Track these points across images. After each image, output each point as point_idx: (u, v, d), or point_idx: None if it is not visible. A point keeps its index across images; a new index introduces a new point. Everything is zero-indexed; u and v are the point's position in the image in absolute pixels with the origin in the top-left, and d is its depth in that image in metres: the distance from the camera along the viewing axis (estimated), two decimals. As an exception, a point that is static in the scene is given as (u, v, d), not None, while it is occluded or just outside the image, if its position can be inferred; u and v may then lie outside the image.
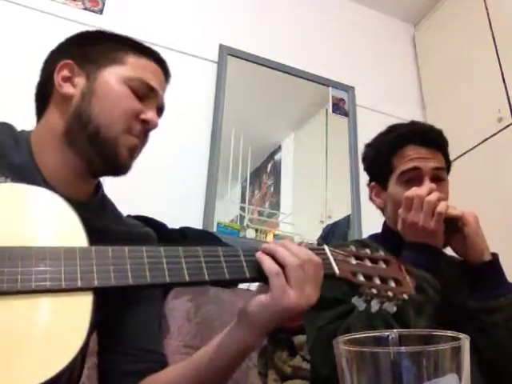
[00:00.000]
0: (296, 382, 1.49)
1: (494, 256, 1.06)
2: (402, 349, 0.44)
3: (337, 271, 0.72)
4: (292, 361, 1.54)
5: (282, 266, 0.66)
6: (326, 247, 0.74)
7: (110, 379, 0.84)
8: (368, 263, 0.76)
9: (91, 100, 0.83)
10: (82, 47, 0.89)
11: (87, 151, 0.83)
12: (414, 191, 1.06)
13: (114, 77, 0.85)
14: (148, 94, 0.87)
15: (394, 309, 0.73)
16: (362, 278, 0.72)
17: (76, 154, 0.83)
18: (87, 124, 0.82)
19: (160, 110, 0.92)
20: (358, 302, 0.72)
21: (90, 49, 0.89)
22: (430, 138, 1.16)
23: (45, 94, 0.88)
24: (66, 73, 0.86)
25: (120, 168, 0.86)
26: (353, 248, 0.77)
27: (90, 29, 0.96)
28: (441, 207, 1.03)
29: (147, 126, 0.87)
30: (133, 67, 0.87)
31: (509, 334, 1.01)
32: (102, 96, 0.84)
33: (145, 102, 0.87)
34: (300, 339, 1.52)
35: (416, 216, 1.03)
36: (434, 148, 1.15)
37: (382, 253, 0.80)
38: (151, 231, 0.97)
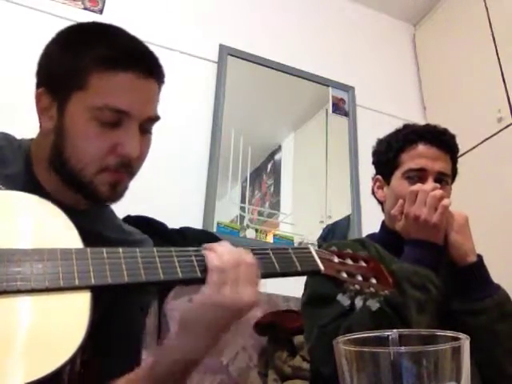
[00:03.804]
0: (296, 382, 1.50)
1: (479, 258, 1.06)
2: (402, 349, 0.44)
3: (322, 268, 0.76)
4: (292, 361, 1.54)
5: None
6: (310, 247, 0.78)
7: (94, 378, 0.83)
8: (350, 262, 0.80)
9: (63, 141, 0.78)
10: (47, 69, 0.82)
11: (70, 186, 0.80)
12: (418, 186, 1.08)
13: (79, 110, 0.76)
14: (120, 119, 0.77)
15: (377, 305, 0.77)
16: (345, 275, 0.77)
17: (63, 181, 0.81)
18: (63, 166, 0.79)
19: (150, 120, 0.83)
20: (343, 299, 0.76)
21: (53, 71, 0.80)
22: (442, 139, 1.17)
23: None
24: (43, 103, 0.80)
25: (103, 203, 0.83)
26: (335, 248, 0.82)
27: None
28: (445, 201, 1.05)
29: (125, 160, 0.78)
30: (97, 91, 0.76)
31: (493, 337, 1.00)
32: (70, 137, 0.77)
33: (121, 128, 0.77)
34: (300, 339, 1.52)
35: (419, 209, 1.04)
36: (444, 150, 1.17)
37: (362, 252, 0.84)
38: (148, 238, 0.96)
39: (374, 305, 0.76)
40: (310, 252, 0.76)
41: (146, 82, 0.80)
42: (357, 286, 0.75)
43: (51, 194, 0.80)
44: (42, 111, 0.81)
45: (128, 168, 0.80)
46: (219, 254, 0.69)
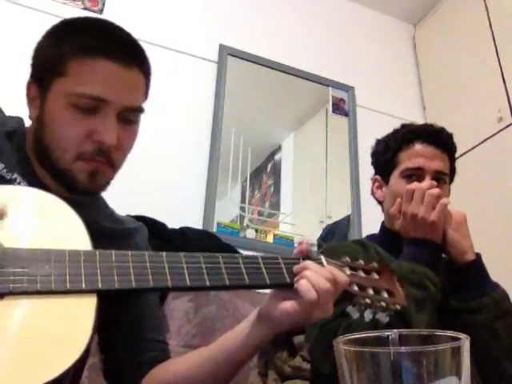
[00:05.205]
0: (296, 382, 1.49)
1: (477, 256, 1.06)
2: (402, 349, 0.44)
3: None
4: (292, 361, 1.54)
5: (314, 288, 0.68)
6: (322, 258, 0.76)
7: (119, 373, 0.84)
8: (361, 274, 0.78)
9: (42, 129, 0.79)
10: (34, 60, 0.83)
11: (52, 175, 0.81)
12: (415, 185, 1.08)
13: (58, 96, 0.77)
14: (96, 106, 0.76)
15: (387, 319, 0.74)
16: (356, 288, 0.74)
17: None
18: (44, 155, 0.79)
19: (131, 110, 0.81)
20: (352, 312, 0.74)
21: (39, 60, 0.82)
22: (439, 137, 1.18)
23: None
24: (31, 93, 0.82)
25: (83, 193, 0.81)
26: (348, 259, 0.79)
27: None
28: (444, 200, 1.05)
29: (101, 147, 0.77)
30: (75, 77, 0.76)
31: (492, 335, 1.00)
32: (48, 125, 0.78)
33: (97, 115, 0.77)
34: (300, 339, 1.52)
35: (416, 208, 1.05)
36: (442, 149, 1.17)
37: (374, 264, 0.81)
38: (142, 226, 0.96)
39: (383, 319, 0.74)
40: (322, 263, 0.74)
41: (128, 70, 0.79)
42: (367, 300, 0.73)
43: (46, 183, 0.81)
44: (30, 101, 0.82)
45: (107, 157, 0.78)
46: (313, 282, 0.68)
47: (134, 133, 0.84)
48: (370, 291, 0.75)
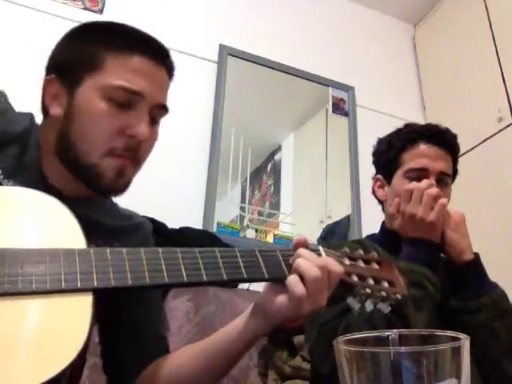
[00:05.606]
0: (296, 382, 1.49)
1: (475, 255, 1.06)
2: (402, 349, 0.44)
3: None
4: (292, 361, 1.54)
5: (302, 276, 0.67)
6: (320, 248, 0.75)
7: (119, 367, 0.85)
8: (361, 264, 0.77)
9: (70, 125, 0.78)
10: (59, 58, 0.83)
11: (74, 173, 0.80)
12: (413, 184, 1.08)
13: (91, 91, 0.77)
14: (132, 100, 0.77)
15: (388, 309, 0.74)
16: (356, 279, 0.73)
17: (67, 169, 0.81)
18: (69, 150, 0.78)
19: (161, 108, 0.83)
20: (353, 303, 0.73)
21: (68, 56, 0.81)
22: (443, 138, 1.17)
23: (43, 104, 0.85)
24: (53, 90, 0.80)
25: (106, 192, 0.81)
26: (346, 249, 0.78)
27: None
28: (442, 200, 1.05)
29: (133, 142, 0.78)
30: (111, 71, 0.77)
31: (491, 335, 1.00)
32: (79, 118, 0.77)
33: (132, 110, 0.78)
34: (300, 339, 1.52)
35: (415, 208, 1.05)
36: (446, 149, 1.17)
37: (374, 254, 0.80)
38: (146, 222, 0.96)
39: (385, 308, 0.73)
40: (321, 254, 0.73)
41: (160, 69, 0.82)
42: (368, 290, 0.72)
43: (52, 183, 0.80)
44: (51, 99, 0.81)
45: (135, 153, 0.79)
46: (303, 270, 0.67)
47: (156, 134, 0.85)
48: (370, 281, 0.74)
